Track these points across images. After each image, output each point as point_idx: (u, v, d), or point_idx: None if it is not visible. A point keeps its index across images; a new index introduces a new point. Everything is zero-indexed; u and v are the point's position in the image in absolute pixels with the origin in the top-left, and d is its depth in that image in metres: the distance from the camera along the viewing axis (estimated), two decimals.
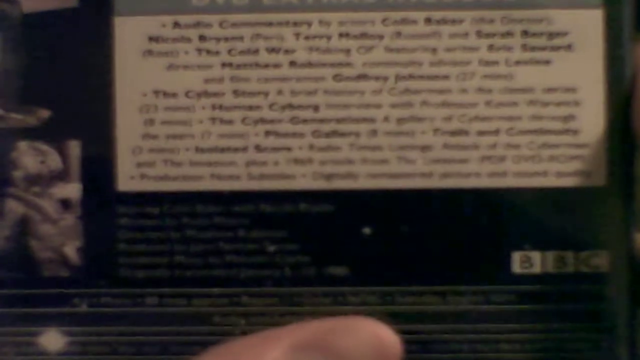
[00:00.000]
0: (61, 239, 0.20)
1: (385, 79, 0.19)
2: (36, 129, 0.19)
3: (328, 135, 0.19)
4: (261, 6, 0.19)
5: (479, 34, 0.19)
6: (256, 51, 0.19)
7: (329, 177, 0.19)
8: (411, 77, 0.19)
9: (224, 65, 0.19)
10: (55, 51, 0.20)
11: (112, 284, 0.20)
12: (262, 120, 0.19)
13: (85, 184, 0.20)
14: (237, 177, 0.19)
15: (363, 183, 0.19)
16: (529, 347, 0.19)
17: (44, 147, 0.20)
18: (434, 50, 0.19)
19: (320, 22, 0.19)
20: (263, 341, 0.17)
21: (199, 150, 0.19)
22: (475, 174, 0.19)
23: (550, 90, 0.19)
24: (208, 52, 0.19)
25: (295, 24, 0.19)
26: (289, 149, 0.19)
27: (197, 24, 0.20)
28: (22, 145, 0.20)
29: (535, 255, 0.19)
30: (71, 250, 0.20)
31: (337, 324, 0.17)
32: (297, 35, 0.19)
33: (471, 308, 0.19)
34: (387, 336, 0.17)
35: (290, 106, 0.19)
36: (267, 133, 0.19)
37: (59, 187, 0.20)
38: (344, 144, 0.19)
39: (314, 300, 0.19)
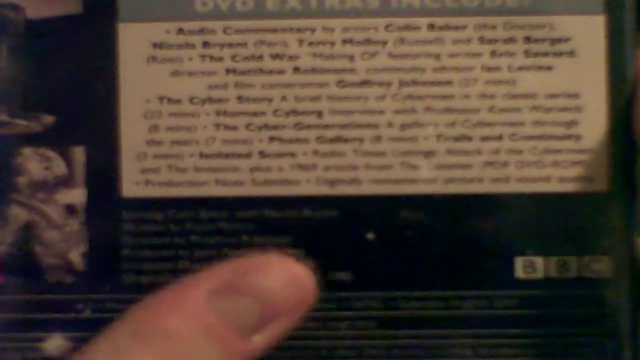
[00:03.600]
0: (66, 244, 0.20)
1: (389, 84, 0.19)
2: (41, 135, 0.20)
3: (332, 141, 0.19)
4: (265, 12, 0.19)
5: (482, 40, 0.19)
6: (260, 57, 0.19)
7: (333, 182, 0.19)
8: (414, 83, 0.19)
9: (228, 71, 0.19)
10: (59, 57, 0.20)
11: (116, 290, 0.20)
12: (266, 126, 0.19)
13: (89, 189, 0.20)
14: (241, 183, 0.19)
15: (367, 189, 0.19)
16: (532, 352, 0.19)
17: (49, 153, 0.20)
18: (437, 56, 0.19)
19: (324, 29, 0.19)
20: (183, 290, 0.17)
21: (203, 156, 0.19)
22: (479, 179, 0.19)
23: (552, 96, 0.19)
24: (212, 58, 0.20)
25: (299, 30, 0.19)
26: (293, 154, 0.19)
27: (201, 30, 0.20)
28: (27, 151, 0.20)
29: (538, 261, 0.19)
30: (76, 256, 0.20)
31: (251, 263, 0.17)
32: (301, 41, 0.19)
33: (474, 313, 0.19)
34: (300, 271, 0.17)
35: (294, 112, 0.19)
36: (271, 139, 0.19)
37: (63, 193, 0.20)
38: (347, 150, 0.19)
39: (317, 306, 0.19)
